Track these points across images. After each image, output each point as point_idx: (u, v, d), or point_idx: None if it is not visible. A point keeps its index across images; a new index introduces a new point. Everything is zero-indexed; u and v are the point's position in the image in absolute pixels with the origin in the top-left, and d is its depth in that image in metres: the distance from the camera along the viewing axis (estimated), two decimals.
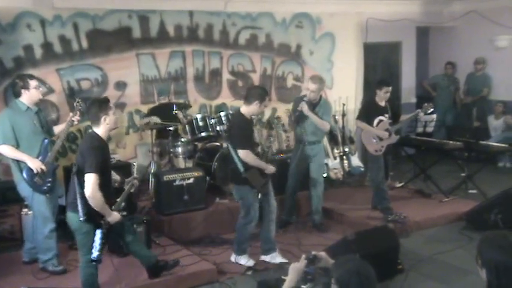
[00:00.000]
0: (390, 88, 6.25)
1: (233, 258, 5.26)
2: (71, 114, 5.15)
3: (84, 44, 6.94)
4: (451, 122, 9.97)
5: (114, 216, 4.04)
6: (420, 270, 4.96)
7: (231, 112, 6.68)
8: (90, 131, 4.19)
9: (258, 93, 5.06)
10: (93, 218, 3.92)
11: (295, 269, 2.83)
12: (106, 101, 4.22)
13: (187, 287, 4.72)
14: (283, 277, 4.19)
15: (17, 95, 4.87)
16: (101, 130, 4.07)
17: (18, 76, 5.16)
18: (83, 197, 3.86)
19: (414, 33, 9.77)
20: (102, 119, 4.04)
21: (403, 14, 9.19)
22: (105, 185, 3.97)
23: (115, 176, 4.46)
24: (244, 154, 4.93)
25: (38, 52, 6.66)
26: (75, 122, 5.16)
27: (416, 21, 9.51)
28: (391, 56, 9.75)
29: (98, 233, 3.91)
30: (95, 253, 3.89)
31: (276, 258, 5.25)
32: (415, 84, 10.06)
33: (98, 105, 4.11)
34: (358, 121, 6.46)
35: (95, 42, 6.98)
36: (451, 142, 7.41)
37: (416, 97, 10.01)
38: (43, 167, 4.74)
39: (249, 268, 5.09)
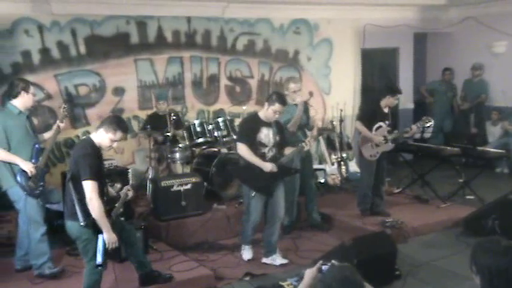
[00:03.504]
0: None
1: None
2: (57, 121, 5.12)
3: (82, 49, 6.96)
4: (449, 128, 9.98)
5: (111, 237, 3.91)
6: (417, 276, 4.95)
7: (219, 119, 6.89)
8: (85, 136, 4.16)
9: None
10: (94, 223, 3.89)
11: (310, 273, 2.87)
12: (126, 128, 4.24)
13: None
14: (280, 283, 4.21)
15: (15, 95, 4.82)
16: (98, 138, 4.07)
17: (19, 78, 5.15)
18: (82, 203, 3.84)
19: (412, 39, 9.80)
20: (110, 134, 4.03)
21: (400, 20, 9.23)
22: (100, 193, 3.94)
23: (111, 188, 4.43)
24: (239, 147, 5.17)
25: (36, 58, 6.69)
26: (61, 128, 5.08)
27: (413, 27, 9.55)
28: (389, 61, 9.78)
29: (101, 238, 3.89)
30: (99, 258, 3.86)
31: (276, 260, 5.29)
32: (412, 90, 10.08)
33: (117, 122, 4.10)
34: (358, 122, 6.35)
35: (92, 48, 7.01)
36: (448, 148, 7.40)
37: (413, 103, 10.03)
38: (33, 170, 4.73)
39: (246, 274, 5.07)
